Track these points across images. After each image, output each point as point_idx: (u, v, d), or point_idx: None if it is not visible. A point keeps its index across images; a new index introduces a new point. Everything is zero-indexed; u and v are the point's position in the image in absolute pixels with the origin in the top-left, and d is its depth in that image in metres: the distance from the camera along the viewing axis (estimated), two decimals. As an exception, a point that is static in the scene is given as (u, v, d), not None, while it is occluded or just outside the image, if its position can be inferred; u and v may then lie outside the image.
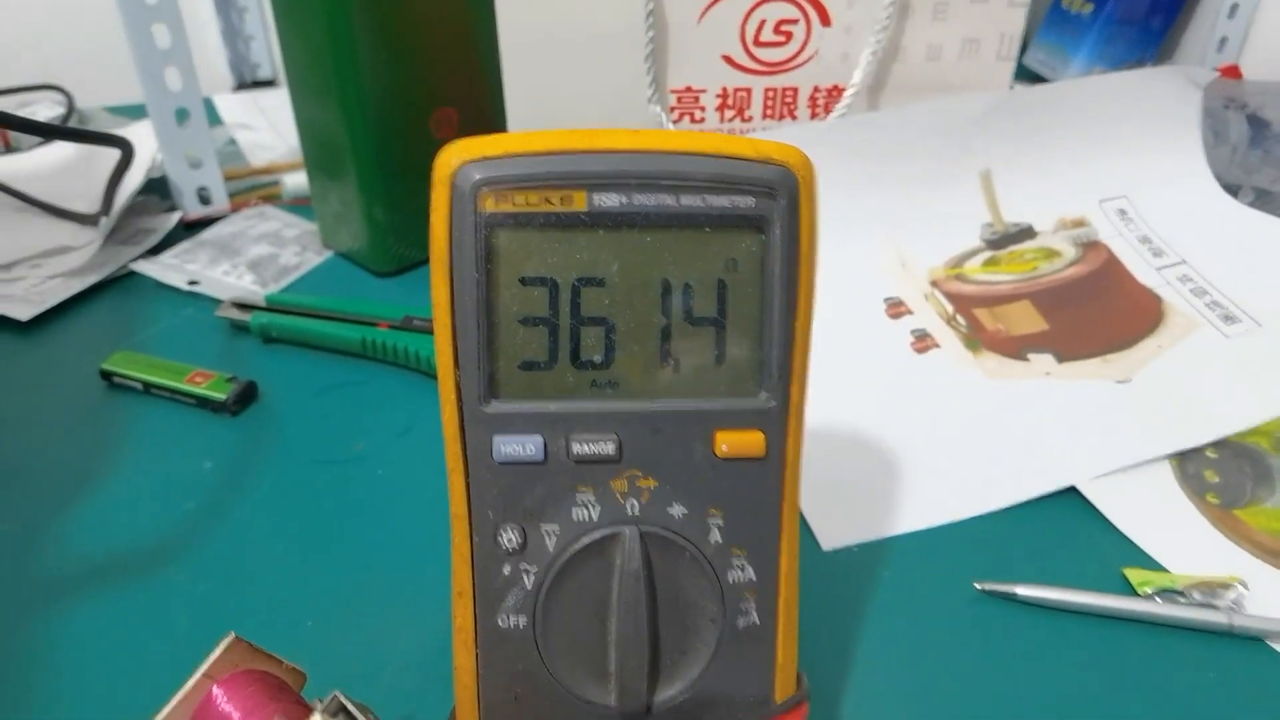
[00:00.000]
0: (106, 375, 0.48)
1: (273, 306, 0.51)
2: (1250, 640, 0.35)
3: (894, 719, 0.32)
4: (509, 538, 0.24)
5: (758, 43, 0.50)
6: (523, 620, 0.25)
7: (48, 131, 0.51)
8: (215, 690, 0.24)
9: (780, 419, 0.25)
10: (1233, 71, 0.79)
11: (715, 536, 0.25)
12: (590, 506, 0.24)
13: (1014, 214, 0.52)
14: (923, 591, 0.37)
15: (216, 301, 0.53)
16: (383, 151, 0.53)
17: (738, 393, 0.25)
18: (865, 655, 0.34)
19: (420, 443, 0.44)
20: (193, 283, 0.55)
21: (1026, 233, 0.52)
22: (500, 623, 0.25)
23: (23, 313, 0.52)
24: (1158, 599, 0.36)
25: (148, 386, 0.47)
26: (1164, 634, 0.35)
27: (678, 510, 0.25)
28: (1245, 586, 0.36)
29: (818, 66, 0.50)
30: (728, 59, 0.50)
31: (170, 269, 0.56)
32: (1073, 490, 0.41)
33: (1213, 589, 0.36)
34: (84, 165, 0.68)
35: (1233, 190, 0.56)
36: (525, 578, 0.25)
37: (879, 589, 0.37)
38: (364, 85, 0.51)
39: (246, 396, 0.46)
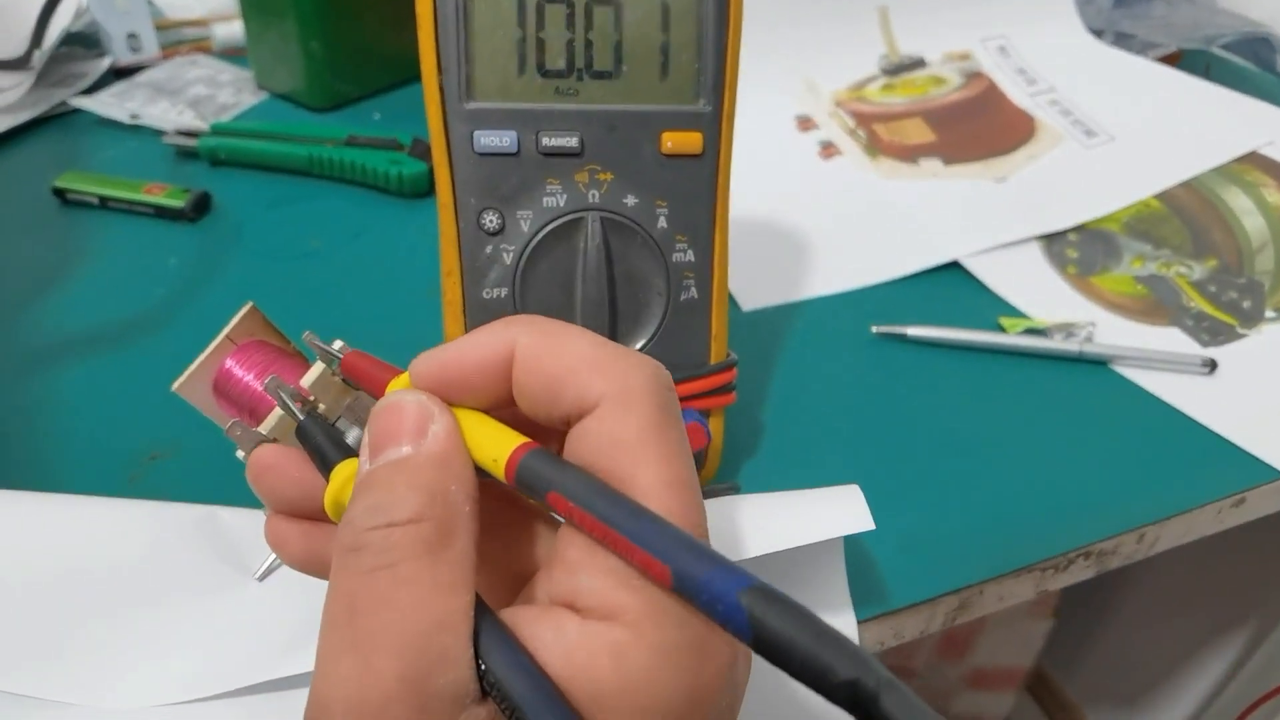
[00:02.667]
0: (59, 193, 0.49)
1: (220, 131, 0.53)
2: (1097, 364, 0.42)
3: (805, 425, 0.38)
4: (490, 220, 0.29)
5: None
6: (504, 291, 0.29)
7: None
8: (230, 359, 0.28)
9: (715, 122, 0.29)
10: (1103, -54, 0.86)
11: (662, 223, 0.30)
12: (558, 195, 0.29)
13: (907, 47, 0.58)
14: (828, 338, 0.43)
15: (160, 133, 0.55)
16: (319, -13, 0.55)
17: (680, 99, 0.29)
18: (781, 386, 0.40)
19: (373, 243, 0.48)
20: (134, 116, 0.56)
21: (918, 63, 0.58)
22: (484, 295, 0.29)
23: (-39, 143, 0.53)
24: (1024, 335, 0.43)
25: (104, 200, 0.49)
26: (1029, 364, 0.42)
27: (631, 199, 0.29)
28: (1095, 327, 0.43)
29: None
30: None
31: (110, 105, 0.57)
32: (956, 265, 0.47)
33: (1069, 328, 0.43)
34: (3, 14, 0.67)
35: (1097, 34, 0.63)
36: (505, 255, 0.29)
37: (791, 338, 0.42)
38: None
39: (203, 205, 0.49)
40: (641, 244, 0.30)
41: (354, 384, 0.24)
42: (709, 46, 0.29)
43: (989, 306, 0.45)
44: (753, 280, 0.44)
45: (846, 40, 0.57)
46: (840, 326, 0.43)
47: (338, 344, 0.27)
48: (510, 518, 0.21)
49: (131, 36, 0.63)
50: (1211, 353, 0.43)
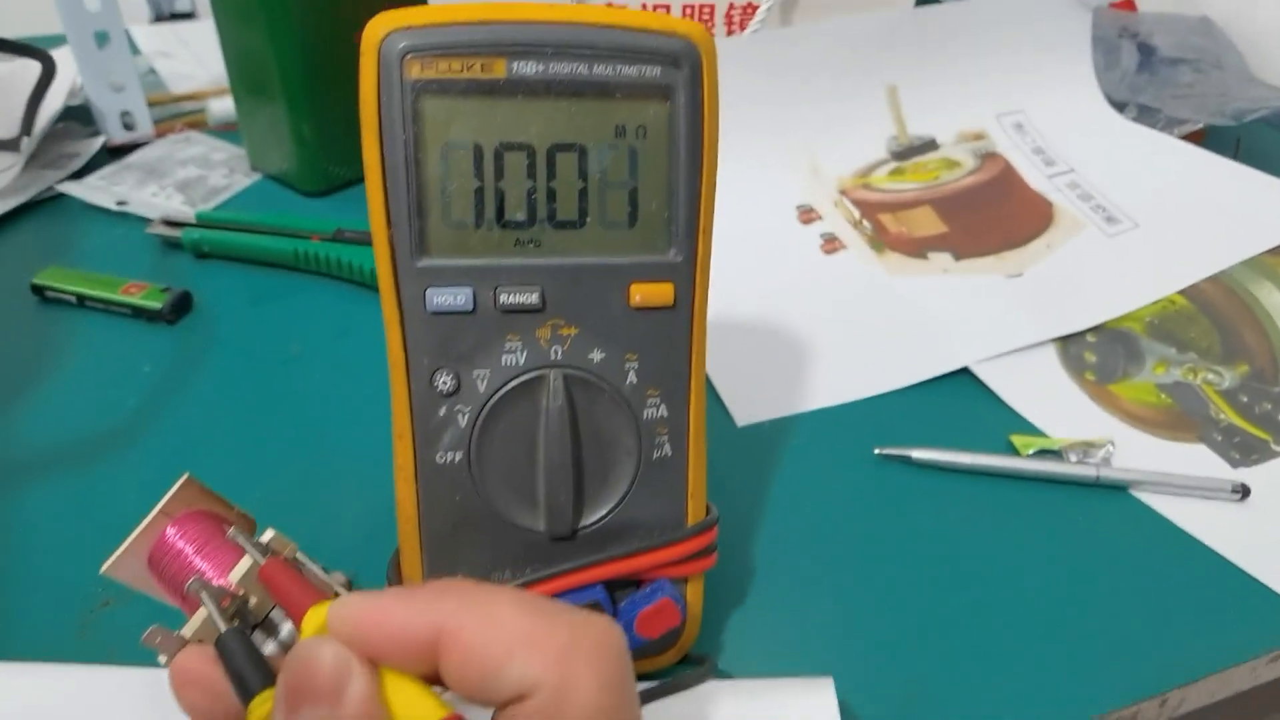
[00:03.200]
0: (38, 290, 0.48)
1: (204, 223, 0.52)
2: (1115, 489, 0.39)
3: (801, 564, 0.35)
4: (444, 381, 0.27)
5: (675, -39, 0.52)
6: (458, 456, 0.27)
7: None
8: (169, 530, 0.26)
9: (688, 271, 0.27)
10: (1128, 4, 0.83)
11: (631, 378, 0.28)
12: (517, 352, 0.27)
13: (918, 127, 0.56)
14: (827, 458, 0.40)
15: (146, 220, 0.53)
16: (310, 69, 0.54)
17: (649, 249, 0.27)
18: (775, 512, 0.37)
19: (357, 345, 0.46)
20: (121, 203, 0.55)
21: (929, 145, 0.55)
22: (438, 459, 0.27)
23: (-54, 233, 0.52)
24: (1037, 458, 0.40)
25: (81, 299, 0.47)
26: (1042, 489, 0.39)
27: (597, 355, 0.27)
28: (1114, 446, 0.41)
29: (733, -16, 0.52)
30: (646, -24, 0.52)
31: (97, 190, 0.56)
32: (966, 371, 0.44)
33: (1086, 448, 0.40)
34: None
35: (1119, 107, 0.60)
36: (459, 418, 0.27)
37: (788, 457, 0.40)
38: (290, 6, 0.51)
39: (182, 306, 0.47)
40: (609, 400, 0.27)
41: (272, 597, 0.22)
42: (680, 193, 0.27)
43: (1000, 420, 0.42)
44: (748, 391, 0.42)
45: (852, 121, 0.55)
46: (841, 445, 0.41)
47: (269, 534, 0.25)
48: None
49: (125, 115, 0.62)
50: (1243, 475, 0.39)
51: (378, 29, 0.25)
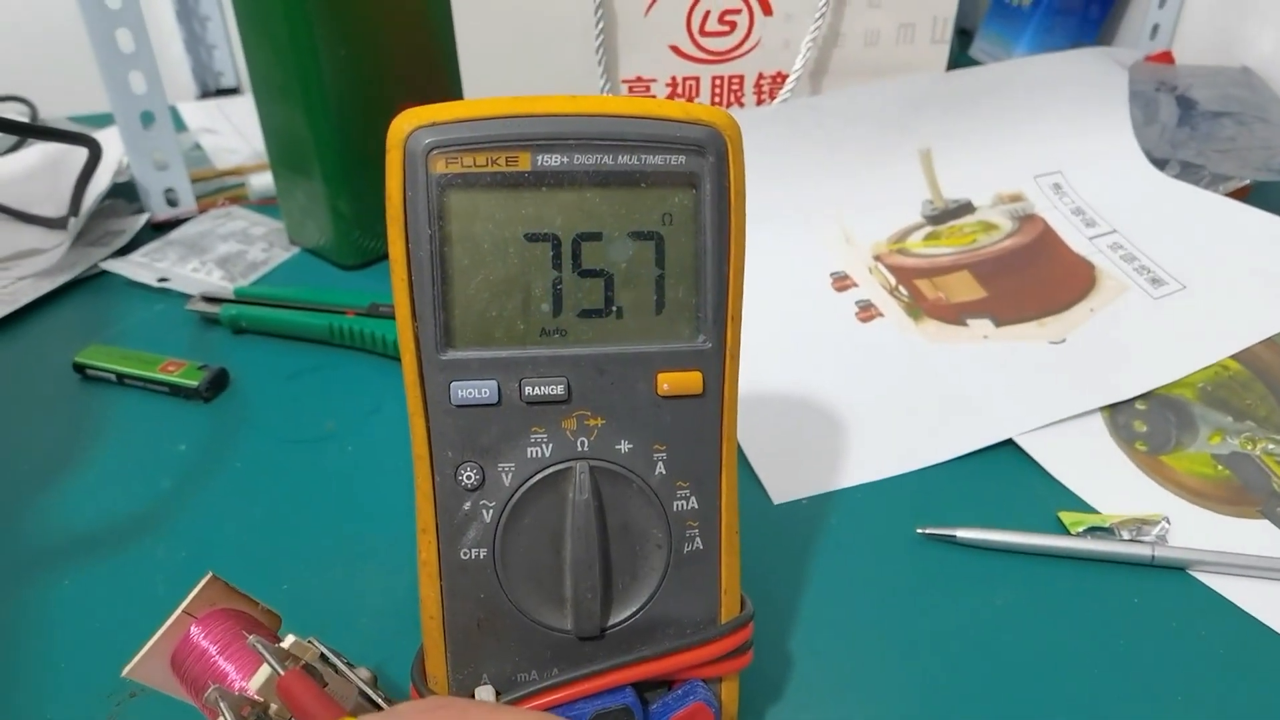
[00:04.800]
0: (80, 368, 0.49)
1: (242, 299, 0.52)
2: (1172, 570, 0.37)
3: (841, 655, 0.34)
4: (468, 475, 0.26)
5: (704, 32, 0.52)
6: (483, 552, 0.26)
7: (16, 129, 0.52)
8: (193, 629, 0.26)
9: (717, 359, 0.27)
10: (1165, 57, 0.82)
11: (660, 469, 0.27)
12: (543, 444, 0.26)
13: (953, 190, 0.55)
14: (868, 538, 0.39)
15: (186, 297, 0.54)
16: (346, 148, 0.55)
17: (677, 336, 0.27)
18: (815, 597, 0.36)
19: (389, 421, 0.46)
20: (162, 280, 0.56)
21: (965, 208, 0.55)
22: (462, 555, 0.26)
23: (-6, 313, 0.53)
24: (1088, 536, 0.38)
25: (121, 377, 0.48)
26: (1094, 569, 0.37)
27: (624, 446, 0.27)
28: (1169, 523, 0.39)
29: (761, 54, 0.52)
30: (675, 49, 0.53)
31: (140, 267, 0.57)
32: (1010, 443, 0.43)
33: (1139, 525, 0.39)
34: (50, 173, 0.68)
35: (1160, 164, 0.59)
36: (484, 512, 0.26)
37: (827, 537, 0.39)
38: (326, 86, 0.52)
39: (218, 383, 0.48)
40: (637, 493, 0.27)
41: (289, 710, 0.22)
42: (708, 280, 0.26)
43: (1047, 495, 0.41)
44: (784, 468, 0.41)
45: (885, 186, 0.54)
46: (881, 524, 0.39)
47: (290, 639, 0.24)
48: None
49: (169, 191, 0.63)
50: (1309, 553, 0.37)
51: (403, 125, 0.25)
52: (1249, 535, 0.39)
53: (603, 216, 0.26)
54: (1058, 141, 0.57)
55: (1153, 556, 0.37)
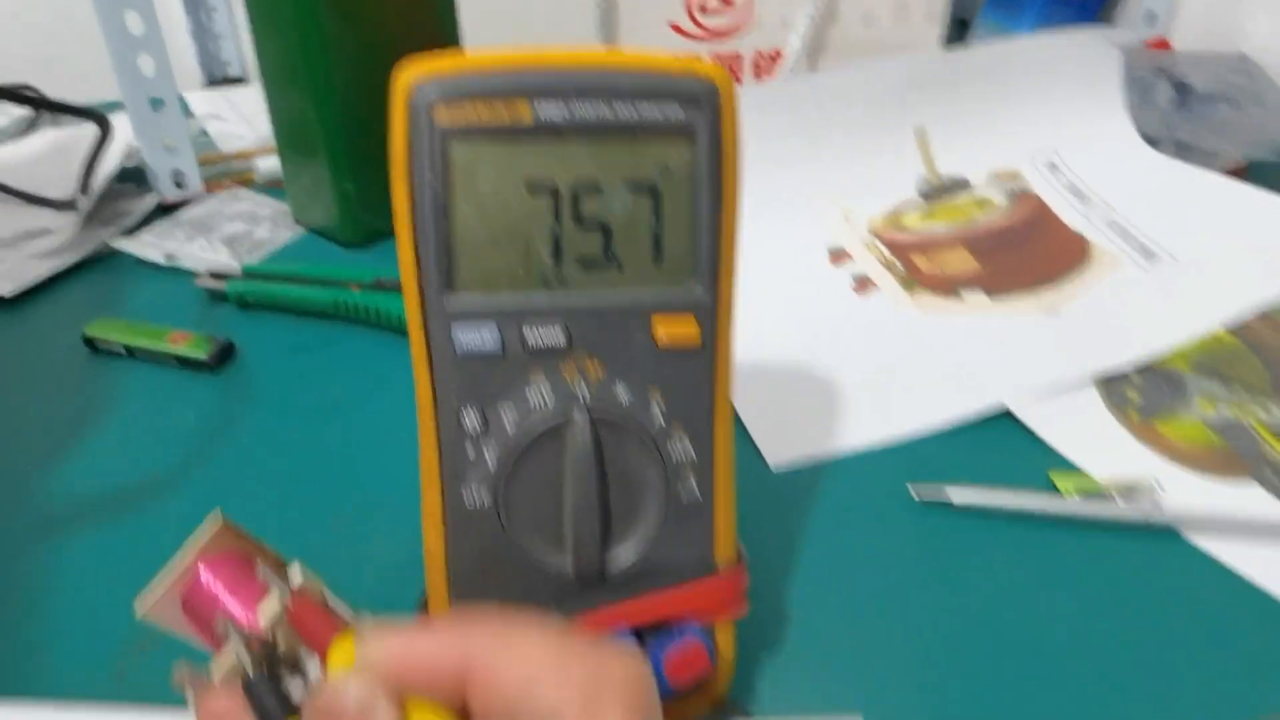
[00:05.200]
0: (89, 341, 0.50)
1: (249, 274, 0.53)
2: (1164, 532, 0.38)
3: (839, 615, 0.34)
4: (471, 422, 0.27)
5: (703, 10, 0.53)
6: (486, 498, 0.27)
7: (29, 102, 0.52)
8: (201, 571, 0.26)
9: (712, 309, 0.27)
10: (1161, 43, 0.83)
11: (657, 418, 0.27)
12: (544, 392, 0.27)
13: (949, 168, 0.56)
14: (864, 502, 0.39)
15: (193, 274, 0.55)
16: (351, 130, 0.55)
17: (674, 285, 0.27)
18: (811, 557, 0.37)
19: (394, 393, 0.47)
20: (170, 257, 0.57)
21: (961, 185, 0.55)
22: (465, 501, 0.27)
23: (4, 289, 0.54)
24: (1081, 499, 0.39)
25: (130, 349, 0.49)
26: (1087, 530, 0.38)
27: (623, 394, 0.27)
28: (1161, 486, 0.39)
29: (759, 32, 0.53)
30: (675, 27, 0.53)
31: (148, 246, 0.58)
32: (1005, 411, 0.44)
33: (1131, 489, 0.39)
34: (58, 158, 0.69)
35: (1155, 143, 0.60)
36: (487, 459, 0.27)
37: (823, 501, 0.39)
38: (333, 71, 0.53)
39: (226, 355, 0.48)
40: (636, 440, 0.27)
41: (296, 634, 0.22)
42: (704, 231, 0.27)
43: (1041, 461, 0.41)
44: (781, 434, 0.42)
45: (882, 164, 0.55)
46: (877, 488, 0.40)
47: (295, 570, 0.25)
48: None
49: (177, 173, 0.64)
50: (1299, 515, 0.38)
51: (407, 78, 0.26)
52: (1239, 498, 0.39)
53: (601, 168, 0.26)
54: (1053, 121, 0.58)
55: (1145, 520, 0.38)
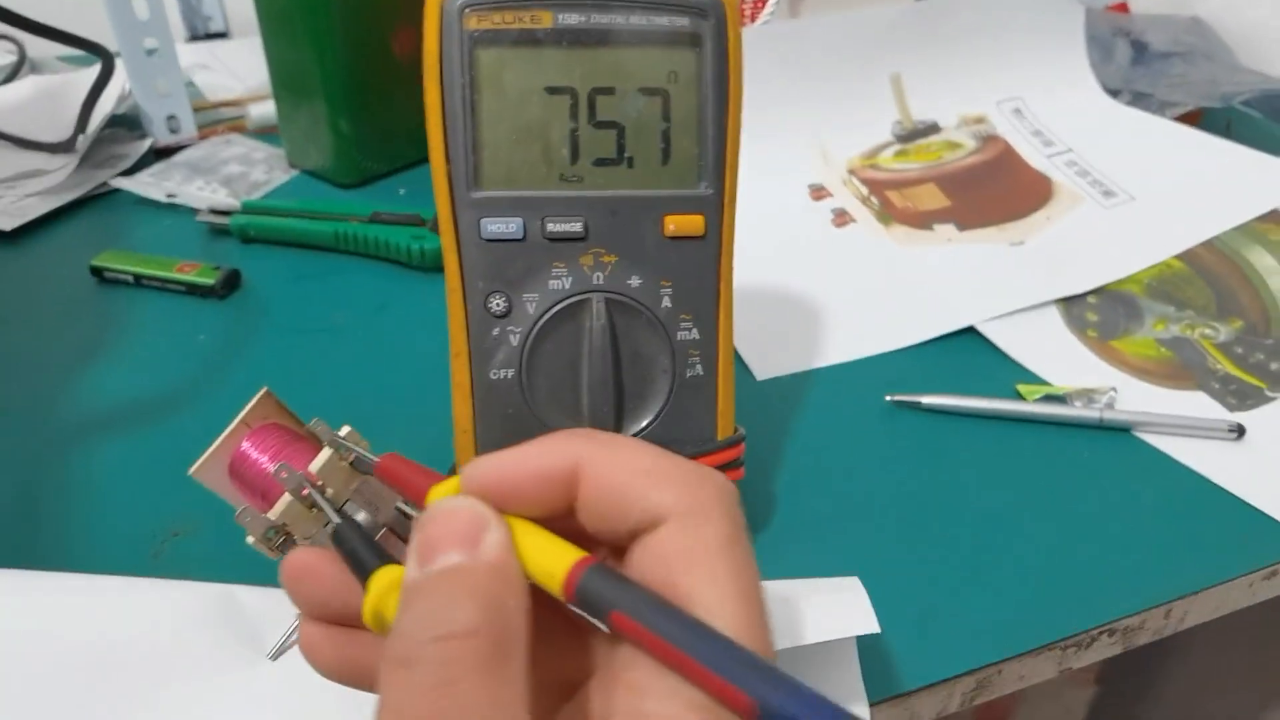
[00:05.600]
0: (97, 272, 0.51)
1: (249, 210, 0.55)
2: (1119, 432, 0.41)
3: (820, 509, 0.37)
4: (497, 304, 0.29)
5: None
6: (510, 372, 0.30)
7: (29, 26, 0.53)
8: (245, 443, 0.29)
9: (716, 204, 0.30)
10: (1121, 8, 0.87)
11: (666, 303, 0.30)
12: (563, 278, 0.30)
13: (921, 112, 0.59)
14: (842, 407, 0.42)
15: (194, 211, 0.57)
16: (348, 72, 0.57)
17: (682, 183, 0.30)
18: (795, 453, 0.40)
19: (395, 317, 0.49)
20: (170, 195, 0.58)
21: (932, 128, 0.58)
22: (492, 375, 0.30)
23: (4, 224, 0.55)
24: (1043, 402, 0.42)
25: (138, 278, 0.50)
26: (1048, 431, 0.41)
27: (635, 281, 0.30)
28: (1116, 392, 0.43)
29: (744, -21, 0.56)
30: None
31: (148, 185, 0.59)
32: (972, 331, 0.47)
33: (1090, 394, 0.43)
34: (47, 103, 0.70)
35: (1113, 94, 0.63)
36: (511, 337, 0.30)
37: (806, 407, 0.42)
38: (333, 14, 0.55)
39: (232, 282, 0.50)
40: (646, 324, 0.30)
41: (391, 487, 0.24)
42: (709, 132, 0.29)
43: (1007, 373, 0.45)
44: (766, 350, 0.45)
45: (859, 108, 0.58)
46: (854, 395, 0.43)
47: (345, 429, 0.27)
48: (556, 623, 0.20)
49: (171, 119, 0.65)
50: (1239, 418, 0.42)
51: (439, -14, 0.28)
52: (1186, 404, 0.43)
53: (616, 72, 0.29)
54: (1019, 69, 0.61)
55: (1100, 419, 0.41)
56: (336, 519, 0.24)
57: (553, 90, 0.29)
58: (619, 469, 0.18)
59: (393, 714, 0.16)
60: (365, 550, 0.21)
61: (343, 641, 0.22)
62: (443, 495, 0.20)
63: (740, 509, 0.19)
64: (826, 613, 0.27)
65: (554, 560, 0.18)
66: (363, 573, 0.21)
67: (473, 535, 0.18)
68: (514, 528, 0.19)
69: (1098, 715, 0.82)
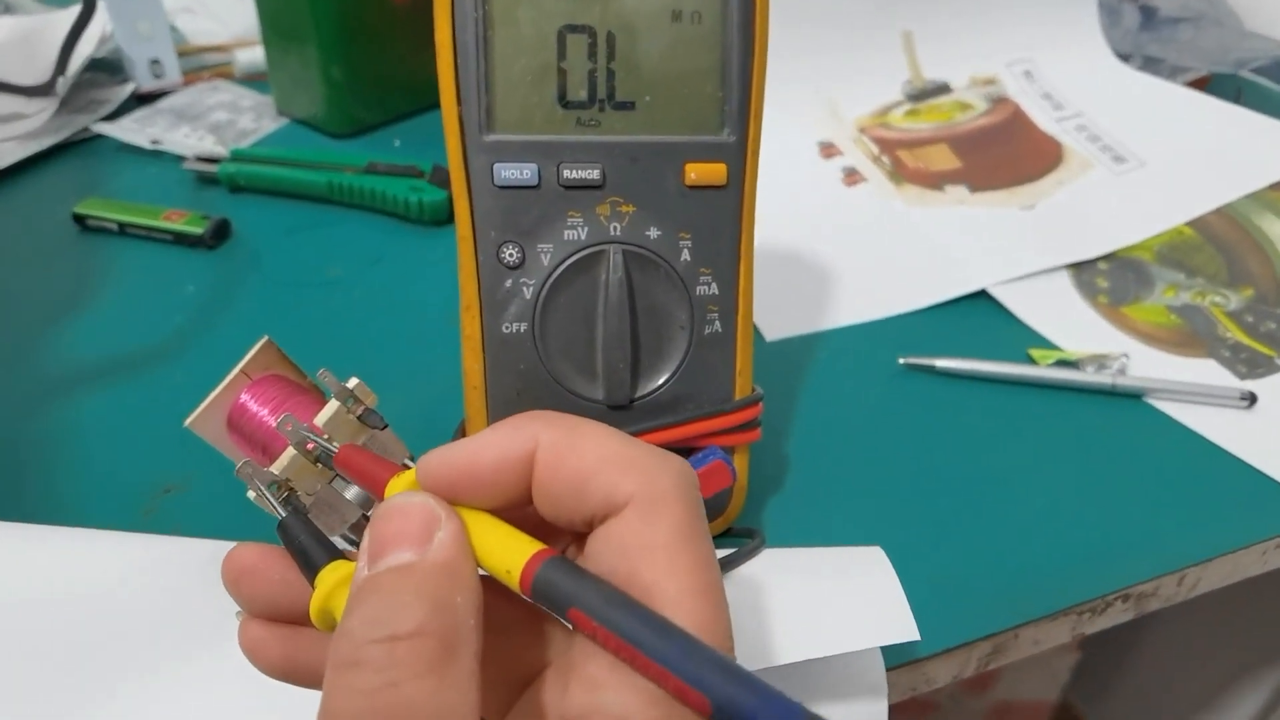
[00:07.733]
0: (79, 219, 0.49)
1: (238, 158, 0.53)
2: (1130, 398, 0.41)
3: (834, 472, 0.37)
4: (510, 254, 0.28)
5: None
6: (523, 326, 0.28)
7: None
8: (245, 395, 0.27)
9: (739, 152, 0.29)
10: (1128, -31, 0.85)
11: (685, 256, 0.29)
12: (579, 228, 0.28)
13: (932, 72, 0.57)
14: (854, 369, 0.42)
15: (180, 158, 0.55)
16: (341, 16, 0.55)
17: (704, 129, 0.29)
18: (807, 414, 0.39)
19: (391, 270, 0.47)
20: (155, 142, 0.56)
21: (942, 88, 0.57)
22: (504, 329, 0.28)
23: (-17, 169, 0.53)
24: (1055, 367, 0.42)
25: (123, 226, 0.48)
26: (1060, 396, 0.41)
27: (653, 232, 0.29)
28: (1128, 358, 0.42)
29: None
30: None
31: (131, 131, 0.57)
32: (984, 294, 0.46)
33: (1101, 360, 0.42)
34: (22, 45, 0.67)
35: (1124, 58, 0.62)
36: (524, 290, 0.28)
37: (817, 368, 0.42)
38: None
39: (222, 232, 0.48)
40: (664, 277, 0.29)
41: (348, 478, 0.23)
42: (733, 76, 0.28)
43: (1018, 337, 0.44)
44: (776, 310, 0.44)
45: (870, 66, 0.56)
46: (866, 357, 0.42)
47: (353, 381, 0.26)
48: (514, 614, 0.20)
49: (154, 63, 0.63)
50: (1250, 385, 0.41)
51: (453, -85, 0.26)
52: (1196, 371, 0.42)
53: (636, 10, 0.28)
54: (1029, 31, 0.60)
55: (1113, 385, 0.41)
56: (333, 451, 0.22)
57: (571, 28, 0.27)
58: (577, 454, 0.18)
59: (332, 717, 0.16)
60: (313, 545, 0.20)
61: (289, 640, 0.21)
62: (400, 489, 0.19)
63: (699, 497, 0.18)
64: (865, 619, 0.26)
65: (511, 554, 0.18)
66: (310, 569, 0.20)
67: (424, 532, 0.17)
68: (470, 521, 0.18)
69: (1081, 679, 0.83)
